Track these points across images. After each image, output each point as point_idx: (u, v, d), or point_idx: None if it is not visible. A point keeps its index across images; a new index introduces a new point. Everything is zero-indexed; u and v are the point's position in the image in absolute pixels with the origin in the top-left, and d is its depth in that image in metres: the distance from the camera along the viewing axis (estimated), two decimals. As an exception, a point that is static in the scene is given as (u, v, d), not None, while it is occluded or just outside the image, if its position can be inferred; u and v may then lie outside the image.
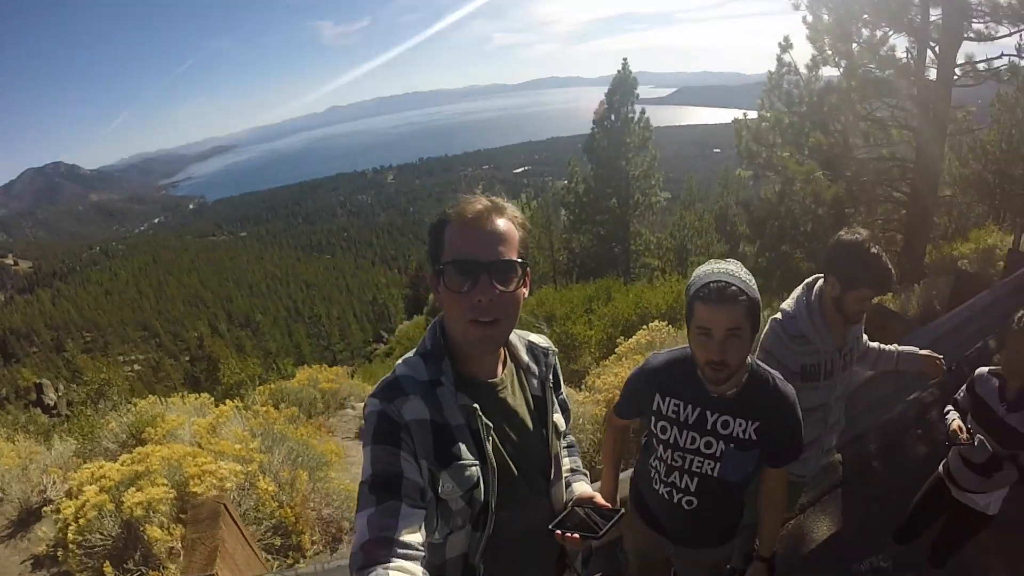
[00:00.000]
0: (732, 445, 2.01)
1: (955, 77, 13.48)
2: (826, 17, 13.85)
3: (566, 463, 1.81)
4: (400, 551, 1.19)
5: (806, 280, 2.70)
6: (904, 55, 13.68)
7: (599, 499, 1.65)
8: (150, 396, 7.15)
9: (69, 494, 3.76)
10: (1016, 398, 2.65)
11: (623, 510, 1.56)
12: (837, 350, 2.62)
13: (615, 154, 25.64)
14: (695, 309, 1.88)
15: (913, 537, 3.39)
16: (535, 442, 1.60)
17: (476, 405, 1.43)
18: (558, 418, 1.70)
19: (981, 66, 13.37)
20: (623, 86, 25.64)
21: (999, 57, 13.10)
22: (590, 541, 1.50)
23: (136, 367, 54.56)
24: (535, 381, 1.65)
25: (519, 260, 1.40)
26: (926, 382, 5.04)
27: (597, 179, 26.36)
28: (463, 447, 1.40)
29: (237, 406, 6.01)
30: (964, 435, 2.70)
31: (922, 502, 3.29)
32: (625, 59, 26.23)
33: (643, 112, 26.09)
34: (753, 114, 16.74)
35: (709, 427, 2.02)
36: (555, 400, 1.70)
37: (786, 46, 15.44)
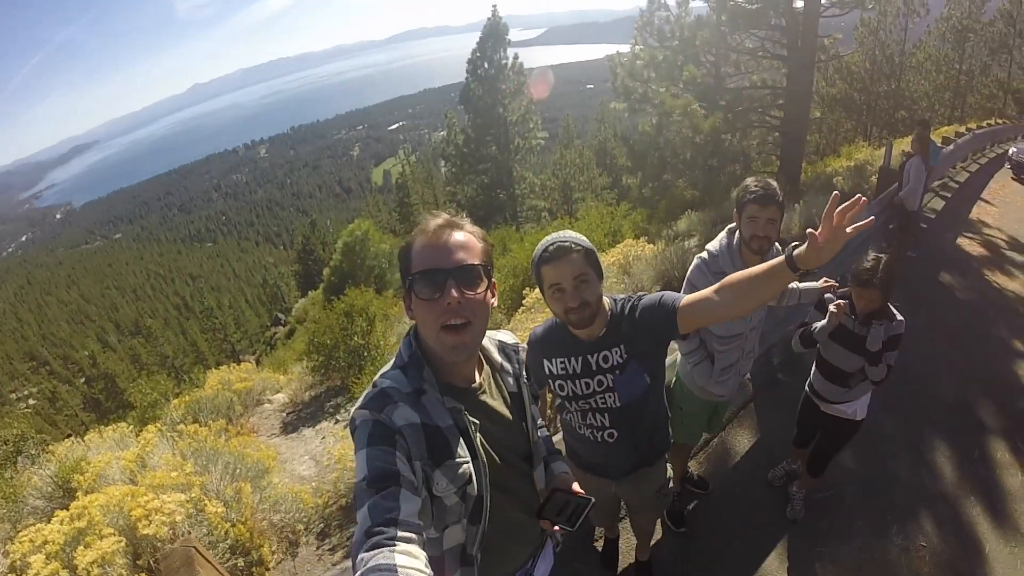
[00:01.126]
0: (617, 372, 2.31)
1: (823, 7, 14.35)
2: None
3: (543, 446, 2.01)
4: (403, 533, 1.24)
5: (728, 226, 3.10)
6: None
7: (576, 486, 1.88)
8: (66, 440, 6.82)
9: (13, 569, 3.54)
10: (864, 316, 3.25)
11: (593, 500, 1.82)
12: None
13: (492, 101, 25.79)
14: (543, 273, 2.15)
15: (809, 442, 3.96)
16: (517, 435, 1.79)
17: (462, 406, 1.57)
18: (535, 409, 1.90)
19: None
20: (494, 32, 25.62)
21: None
22: (568, 530, 1.76)
23: (31, 401, 50.41)
24: (510, 379, 1.82)
25: (482, 265, 1.55)
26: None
27: (476, 128, 26.44)
28: (454, 446, 1.52)
29: (160, 430, 5.87)
30: (838, 305, 3.28)
31: (800, 419, 3.92)
32: (495, 6, 26.06)
33: (516, 57, 26.24)
34: (626, 49, 17.27)
35: (594, 368, 2.32)
36: (528, 394, 1.87)
37: None
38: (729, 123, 16.16)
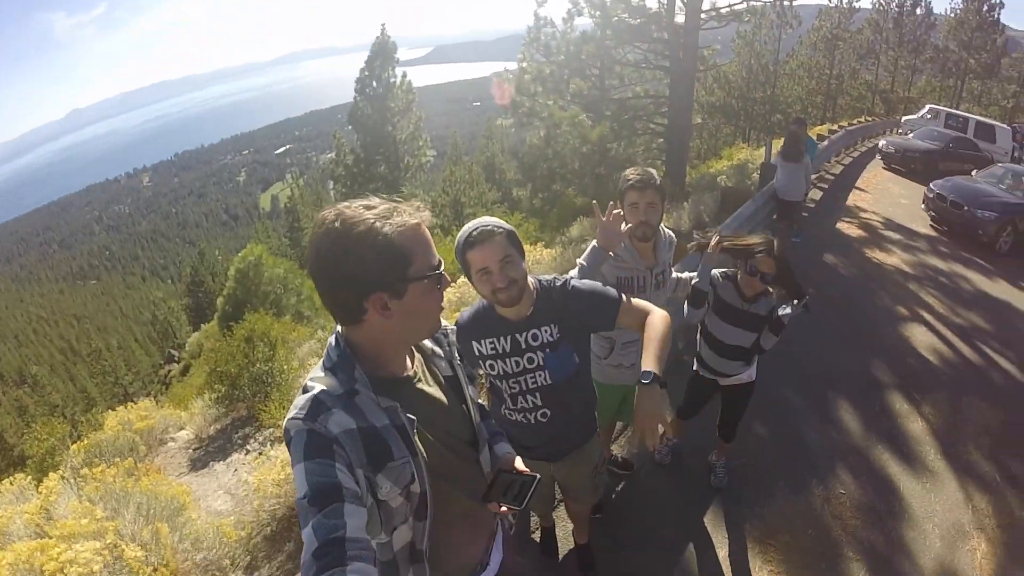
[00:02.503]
0: (548, 350, 2.36)
1: (702, 21, 15.32)
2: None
3: (485, 428, 1.95)
4: (352, 551, 1.20)
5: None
6: (655, 3, 15.44)
7: (519, 464, 1.83)
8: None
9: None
10: (752, 297, 3.46)
11: (539, 476, 1.77)
12: (648, 270, 3.20)
13: (381, 120, 25.54)
14: (469, 258, 2.20)
15: (692, 415, 4.17)
16: (458, 420, 1.74)
17: (397, 404, 1.49)
18: (473, 391, 1.87)
19: (724, 9, 15.42)
20: (383, 51, 25.45)
21: (740, 3, 15.36)
22: (516, 509, 1.71)
23: (-98, 470, 45.54)
24: (443, 363, 1.78)
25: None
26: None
27: (365, 147, 26.07)
28: (393, 446, 1.45)
29: (63, 477, 5.46)
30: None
31: (691, 394, 4.10)
32: (383, 24, 26.05)
33: (405, 75, 26.16)
34: (513, 66, 17.73)
35: (524, 346, 2.37)
36: (465, 375, 1.84)
37: (542, 1, 16.62)
38: (615, 132, 16.81)
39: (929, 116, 23.64)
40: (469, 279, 2.29)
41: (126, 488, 4.84)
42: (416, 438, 1.52)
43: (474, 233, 2.16)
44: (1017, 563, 4.09)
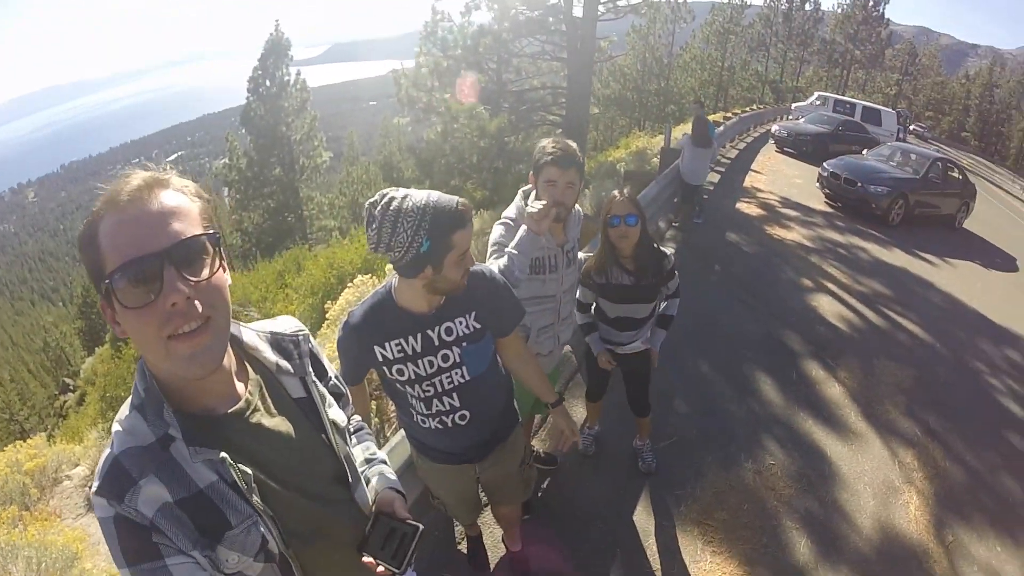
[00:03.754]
0: (465, 343, 2.10)
1: (599, 13, 15.54)
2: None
3: (359, 454, 1.60)
4: None
5: (522, 189, 2.93)
6: None
7: (399, 506, 1.46)
8: None
9: None
10: (630, 258, 3.22)
11: (421, 527, 1.40)
12: (559, 247, 2.94)
13: (274, 121, 24.81)
14: (454, 240, 1.91)
15: (601, 393, 3.96)
16: (317, 454, 1.33)
17: (224, 455, 1.12)
18: (335, 413, 1.42)
19: (622, 2, 15.84)
20: (276, 49, 24.74)
21: None
22: (394, 572, 1.33)
23: None
24: (293, 381, 1.35)
25: (207, 234, 1.07)
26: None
27: (259, 150, 25.24)
28: (228, 511, 1.12)
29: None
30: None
31: (593, 373, 3.82)
32: (277, 21, 25.24)
33: (299, 74, 25.50)
34: (410, 63, 17.48)
35: (437, 343, 2.07)
36: (325, 394, 1.42)
37: None
38: (513, 124, 16.85)
39: (818, 102, 24.93)
40: (440, 259, 1.89)
41: (12, 540, 4.27)
42: (256, 497, 1.15)
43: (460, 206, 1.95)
44: (949, 510, 4.19)
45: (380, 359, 2.08)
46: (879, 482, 4.27)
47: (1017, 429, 5.71)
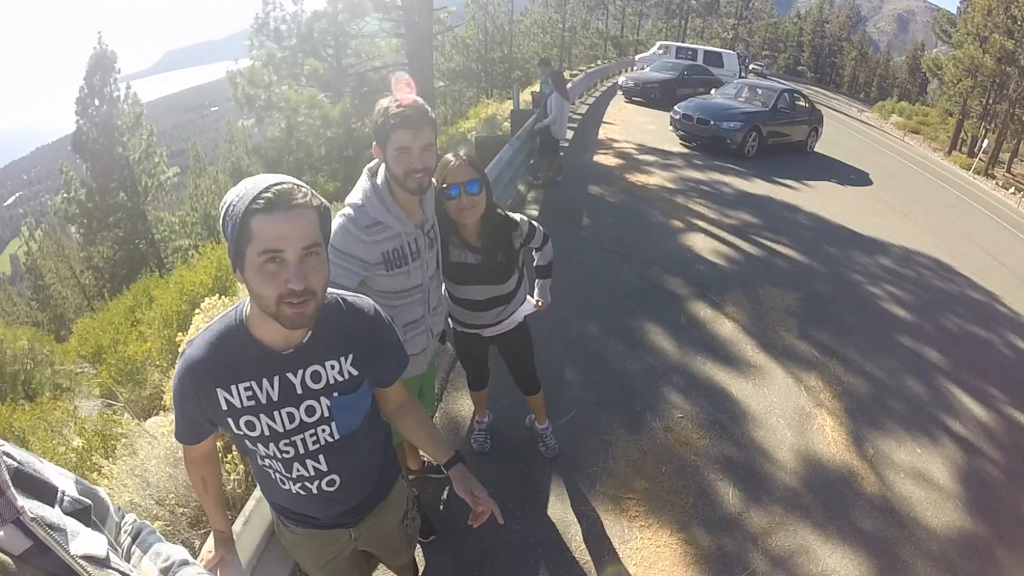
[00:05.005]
0: (336, 393, 1.62)
1: None
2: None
3: (149, 570, 1.15)
4: None
5: (367, 167, 2.38)
6: None
7: None
8: None
9: None
10: (473, 230, 2.70)
11: None
12: (419, 228, 2.40)
13: (109, 142, 22.86)
14: (251, 227, 1.33)
15: (485, 380, 3.48)
16: None
17: None
18: (84, 542, 0.92)
19: None
20: (102, 63, 22.64)
21: None
22: None
23: None
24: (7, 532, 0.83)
25: None
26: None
27: (97, 177, 23.21)
28: None
29: None
30: None
31: (468, 360, 3.38)
32: (100, 33, 23.09)
33: (128, 87, 23.56)
34: (246, 61, 16.52)
35: (299, 391, 1.58)
36: (63, 523, 0.92)
37: None
38: (357, 108, 16.30)
39: (661, 51, 25.64)
40: (239, 264, 1.40)
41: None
42: None
43: (272, 190, 1.33)
44: (863, 424, 4.18)
45: (225, 407, 1.55)
46: (790, 411, 4.15)
47: (905, 330, 5.88)
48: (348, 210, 2.31)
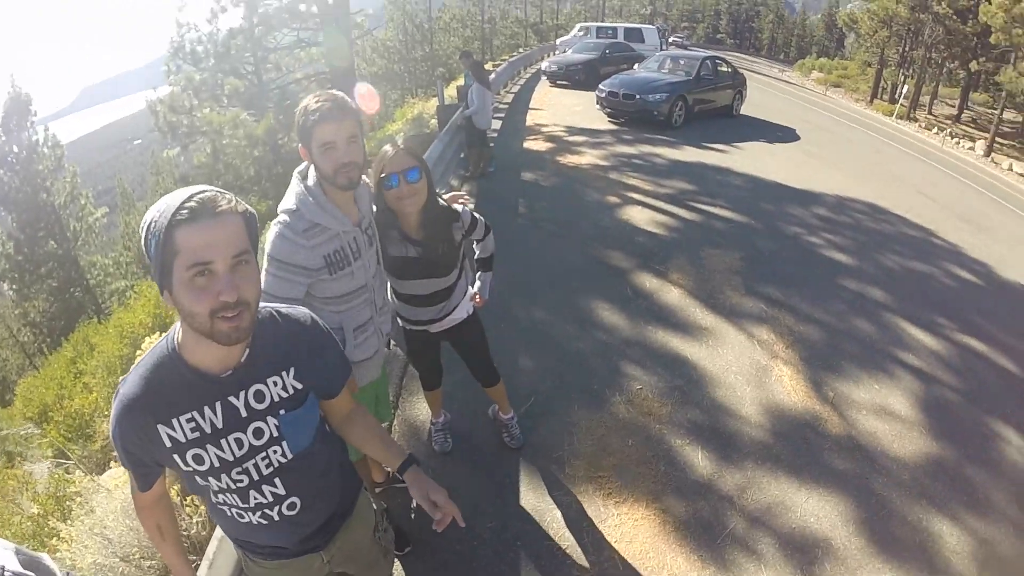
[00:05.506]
0: (283, 410, 1.53)
1: None
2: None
3: None
4: None
5: (296, 171, 2.28)
6: None
7: None
8: None
9: None
10: (414, 222, 2.61)
11: None
12: (357, 227, 2.31)
13: (32, 189, 22.19)
14: (176, 241, 1.23)
15: (437, 380, 3.37)
16: None
17: None
18: None
19: None
20: (17, 107, 21.96)
21: None
22: None
23: None
24: None
25: None
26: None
27: (24, 227, 22.46)
28: None
29: None
30: None
31: (417, 360, 3.28)
32: (12, 74, 22.36)
33: (47, 129, 22.92)
34: (165, 89, 16.11)
35: (244, 414, 1.48)
36: None
37: (182, 6, 15.42)
38: (282, 123, 15.96)
39: (581, 33, 25.81)
40: (165, 287, 1.30)
41: None
42: None
43: (194, 199, 1.23)
44: (820, 369, 4.23)
45: (169, 443, 1.44)
46: (747, 367, 4.17)
47: (848, 273, 6.00)
48: (283, 217, 2.22)
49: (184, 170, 22.32)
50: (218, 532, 2.11)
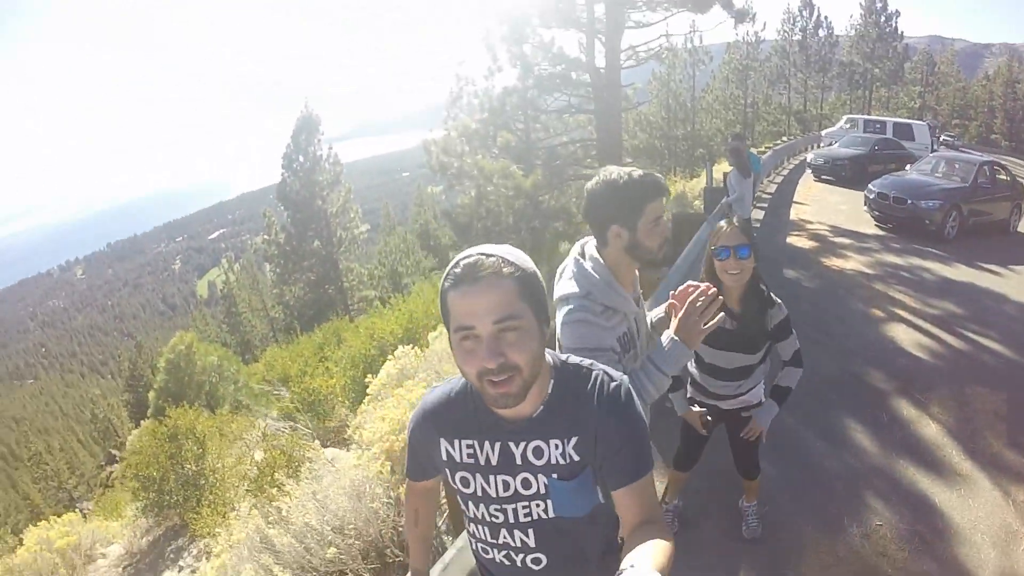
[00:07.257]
0: (555, 475, 1.48)
1: (622, 62, 15.66)
2: (501, 26, 15.22)
3: None
4: None
5: (572, 255, 2.23)
6: (574, 50, 15.68)
7: None
8: None
9: None
10: (739, 300, 2.88)
11: None
12: (635, 303, 2.22)
13: (310, 195, 25.56)
14: (448, 303, 1.33)
15: (692, 463, 3.48)
16: None
17: None
18: None
19: (641, 49, 15.85)
20: (307, 125, 25.76)
21: (656, 39, 15.98)
22: None
23: None
24: None
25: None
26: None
27: (296, 224, 25.89)
28: None
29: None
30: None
31: (688, 436, 3.39)
32: (307, 97, 26.53)
33: (331, 148, 26.36)
34: (439, 133, 17.67)
35: (519, 461, 1.49)
36: None
37: (461, 61, 17.07)
38: (547, 180, 16.81)
39: (848, 125, 24.63)
40: (450, 342, 1.41)
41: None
42: None
43: (463, 263, 1.32)
44: None
45: (445, 457, 1.57)
46: (996, 529, 3.84)
47: None
48: (574, 303, 2.09)
49: (445, 207, 24.34)
50: (459, 541, 2.32)
